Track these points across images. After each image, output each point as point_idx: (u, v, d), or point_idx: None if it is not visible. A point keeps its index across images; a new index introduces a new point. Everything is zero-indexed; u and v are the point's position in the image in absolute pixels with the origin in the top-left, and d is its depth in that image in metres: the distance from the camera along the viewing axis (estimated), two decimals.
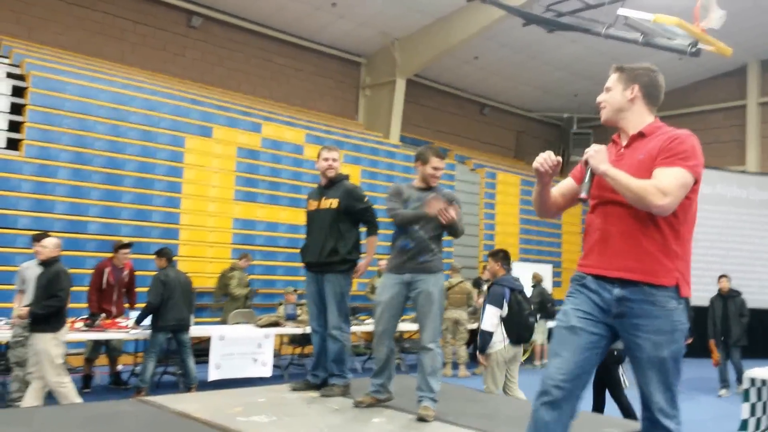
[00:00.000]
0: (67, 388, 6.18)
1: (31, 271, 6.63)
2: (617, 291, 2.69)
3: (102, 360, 8.52)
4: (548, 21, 11.71)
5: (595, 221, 2.89)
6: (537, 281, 12.26)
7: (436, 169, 4.61)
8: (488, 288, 6.44)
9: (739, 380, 9.42)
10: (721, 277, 10.26)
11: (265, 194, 12.59)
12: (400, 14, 14.42)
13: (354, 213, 4.97)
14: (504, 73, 17.61)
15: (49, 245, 6.42)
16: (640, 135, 2.88)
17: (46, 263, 6.33)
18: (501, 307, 6.13)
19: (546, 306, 12.02)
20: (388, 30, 15.12)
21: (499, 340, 6.19)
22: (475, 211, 16.66)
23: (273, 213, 12.48)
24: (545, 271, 14.75)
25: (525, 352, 12.13)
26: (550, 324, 12.56)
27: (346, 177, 5.19)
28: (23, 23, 11.78)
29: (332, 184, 5.06)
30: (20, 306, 6.60)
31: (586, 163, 2.80)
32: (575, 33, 12.64)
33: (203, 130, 12.11)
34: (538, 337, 11.79)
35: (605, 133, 19.85)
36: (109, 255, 8.61)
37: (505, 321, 6.20)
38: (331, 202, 4.95)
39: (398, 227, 4.56)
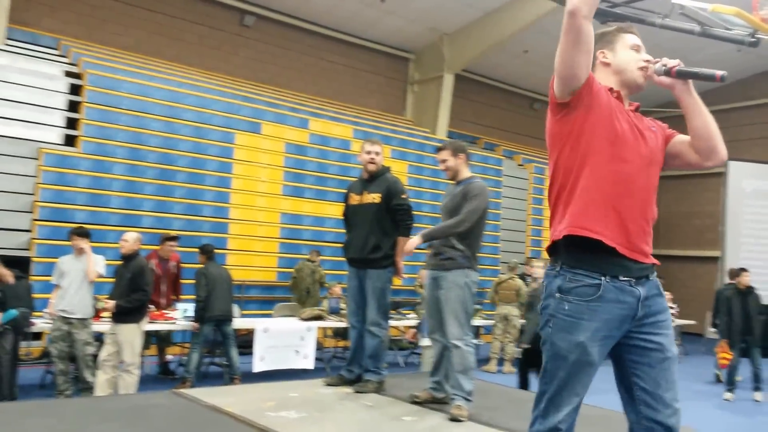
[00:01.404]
0: (135, 376, 6.52)
1: (68, 264, 6.75)
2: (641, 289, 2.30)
3: (151, 350, 8.76)
4: (602, 12, 11.45)
5: (636, 182, 2.35)
6: None
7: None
8: None
9: (758, 385, 9.00)
10: (741, 270, 9.36)
11: (312, 189, 12.71)
12: (449, 9, 14.35)
13: (389, 208, 4.89)
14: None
15: (130, 239, 6.71)
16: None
17: (127, 257, 6.62)
18: None
19: None
20: (437, 25, 15.06)
21: None
22: (523, 207, 16.50)
23: (320, 208, 12.59)
24: None
25: None
26: None
27: (388, 169, 5.14)
28: (84, 24, 12.19)
29: (374, 177, 5.02)
30: (53, 298, 6.81)
31: (678, 72, 2.44)
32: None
33: (253, 126, 12.30)
34: None
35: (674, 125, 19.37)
36: (156, 247, 8.83)
37: None
38: (374, 197, 4.91)
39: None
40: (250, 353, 8.27)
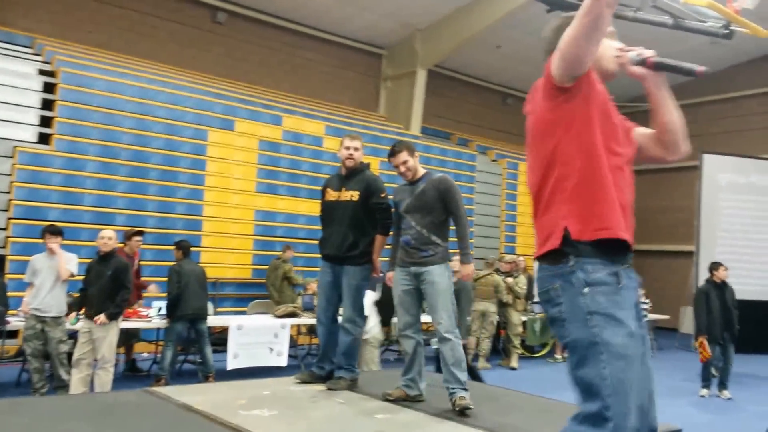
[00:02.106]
0: (111, 373, 6.57)
1: (41, 262, 6.73)
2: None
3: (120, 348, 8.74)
4: (573, 6, 11.53)
5: (623, 180, 2.28)
6: None
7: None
8: None
9: (726, 383, 8.89)
10: (719, 265, 9.20)
11: (285, 186, 12.72)
12: (421, 5, 14.40)
13: (368, 206, 4.88)
14: (528, 61, 17.42)
15: (111, 236, 6.72)
16: None
17: (106, 255, 6.62)
18: (376, 289, 6.23)
19: None
20: (409, 21, 15.11)
21: (375, 323, 6.25)
22: (497, 202, 16.63)
23: (293, 205, 12.60)
24: None
25: (545, 345, 12.13)
26: None
27: (367, 166, 5.11)
28: (57, 22, 12.15)
29: (353, 174, 4.97)
30: (26, 297, 6.79)
31: (654, 64, 2.33)
32: None
33: (226, 123, 12.28)
34: None
35: (633, 120, 19.83)
36: (120, 245, 8.78)
37: (378, 303, 6.28)
38: (352, 194, 4.88)
39: (403, 225, 4.62)
40: (225, 351, 8.29)
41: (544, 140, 2.27)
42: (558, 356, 11.72)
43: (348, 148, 4.97)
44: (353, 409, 4.33)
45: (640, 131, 2.48)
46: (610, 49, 2.36)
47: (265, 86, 14.34)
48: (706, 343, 8.67)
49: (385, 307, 6.37)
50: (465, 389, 4.28)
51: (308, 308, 9.22)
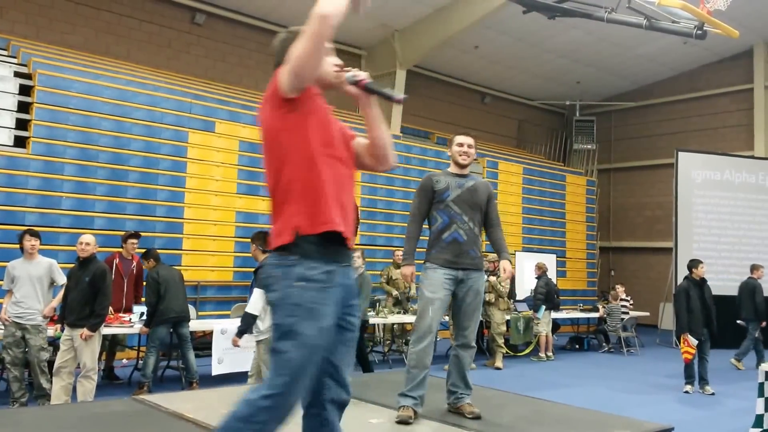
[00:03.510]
0: (94, 381, 6.45)
1: (20, 269, 6.66)
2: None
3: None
4: (549, 7, 11.64)
5: (342, 181, 2.55)
6: (542, 272, 12.20)
7: (460, 145, 4.47)
8: (256, 271, 6.33)
9: (704, 377, 8.95)
10: (698, 262, 9.19)
11: (267, 187, 12.61)
12: (399, 6, 14.40)
13: None
14: (505, 61, 17.57)
15: (92, 242, 6.60)
16: None
17: (85, 260, 6.52)
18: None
19: (552, 297, 12.00)
20: (388, 21, 15.10)
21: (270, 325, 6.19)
22: None
23: None
24: (549, 261, 14.76)
25: (529, 344, 12.18)
26: (555, 315, 12.61)
27: None
28: (32, 23, 12.00)
29: None
30: (5, 304, 6.71)
31: (365, 87, 2.59)
32: (577, 19, 12.57)
33: (205, 124, 12.16)
34: (543, 328, 11.82)
35: (608, 120, 19.92)
36: (117, 250, 8.70)
37: None
38: None
39: (444, 217, 4.34)
40: (207, 355, 8.20)
41: (273, 147, 2.50)
42: (542, 355, 11.78)
43: None
44: (346, 414, 4.27)
45: (359, 141, 2.74)
46: (329, 65, 2.62)
47: (244, 87, 14.26)
48: (690, 340, 8.72)
49: None
50: (470, 395, 4.29)
51: None
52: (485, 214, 4.48)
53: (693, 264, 9.21)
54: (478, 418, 4.08)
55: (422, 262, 4.43)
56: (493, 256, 11.71)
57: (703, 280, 9.10)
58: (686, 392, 8.95)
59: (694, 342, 8.73)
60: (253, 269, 10.10)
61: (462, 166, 4.46)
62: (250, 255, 11.70)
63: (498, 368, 10.56)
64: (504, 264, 4.46)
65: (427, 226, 4.49)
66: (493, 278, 10.87)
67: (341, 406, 2.60)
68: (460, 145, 4.46)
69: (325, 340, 2.38)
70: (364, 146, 2.74)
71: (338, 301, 2.44)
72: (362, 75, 2.61)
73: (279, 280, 2.39)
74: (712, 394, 8.87)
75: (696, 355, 8.87)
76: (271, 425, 2.33)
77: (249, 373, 6.68)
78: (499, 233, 4.57)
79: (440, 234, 4.32)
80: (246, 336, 6.26)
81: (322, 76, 2.58)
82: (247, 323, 6.02)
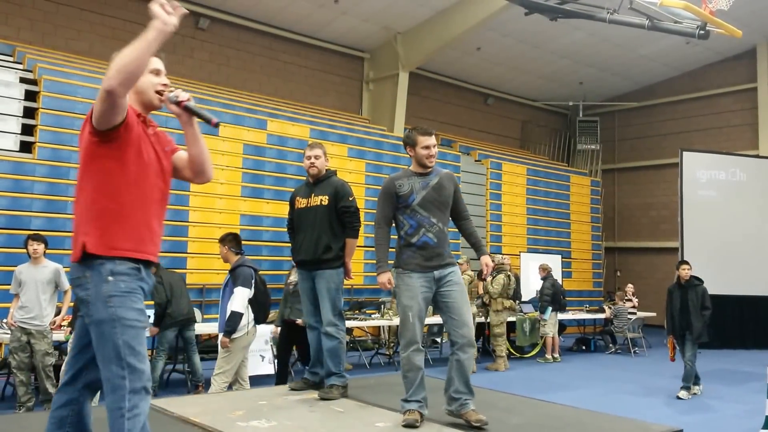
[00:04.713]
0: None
1: (26, 273, 6.67)
2: None
3: None
4: (551, 8, 11.61)
5: (157, 198, 2.78)
6: (546, 273, 12.14)
7: (426, 147, 4.26)
8: (231, 271, 6.31)
9: (688, 382, 8.61)
10: (681, 263, 8.89)
11: (271, 190, 12.66)
12: (402, 8, 14.41)
13: (336, 210, 4.89)
14: (507, 63, 17.56)
15: None
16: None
17: None
18: (251, 287, 6.11)
19: (558, 298, 11.95)
20: (391, 24, 15.12)
21: (245, 323, 6.14)
22: (482, 202, 16.65)
23: (279, 208, 12.52)
24: (554, 262, 14.72)
25: (535, 345, 12.15)
26: (561, 316, 12.56)
27: (334, 173, 5.14)
28: (37, 30, 12.06)
29: (320, 181, 5.01)
30: (12, 309, 6.71)
31: (185, 107, 2.79)
32: (579, 20, 12.55)
33: (209, 128, 12.09)
34: (550, 329, 11.77)
35: (612, 120, 19.83)
36: None
37: (252, 302, 6.20)
38: (321, 199, 4.89)
39: (412, 221, 4.23)
40: (213, 359, 8.18)
41: (88, 164, 2.65)
42: (548, 356, 11.74)
43: (309, 158, 5.00)
44: (352, 417, 4.27)
45: (179, 155, 2.92)
46: (153, 85, 2.80)
47: (248, 91, 14.29)
48: (672, 342, 8.62)
49: (260, 307, 6.32)
50: (473, 400, 4.14)
51: None
52: (453, 209, 4.39)
53: (677, 266, 9.01)
54: (485, 425, 3.96)
55: (394, 265, 4.32)
56: (496, 257, 11.60)
57: (688, 283, 8.68)
58: (678, 397, 8.57)
59: (676, 344, 8.61)
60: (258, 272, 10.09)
61: (427, 168, 4.32)
62: (255, 258, 11.76)
63: (497, 370, 10.43)
64: (484, 259, 4.39)
65: (395, 235, 4.41)
66: (489, 279, 10.70)
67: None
68: (427, 147, 4.26)
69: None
70: (183, 159, 2.92)
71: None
72: (184, 96, 2.79)
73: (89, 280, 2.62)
74: (695, 394, 8.67)
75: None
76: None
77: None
78: (471, 226, 4.52)
79: (409, 238, 4.25)
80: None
81: (146, 99, 2.79)
82: (234, 322, 6.00)
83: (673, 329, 8.61)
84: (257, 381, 7.74)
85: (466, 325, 4.14)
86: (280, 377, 7.08)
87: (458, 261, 10.87)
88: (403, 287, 4.21)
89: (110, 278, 2.57)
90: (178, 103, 2.79)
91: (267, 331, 8.47)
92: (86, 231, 2.60)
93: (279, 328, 7.31)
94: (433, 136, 4.33)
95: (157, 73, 2.83)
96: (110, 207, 2.61)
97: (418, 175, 4.29)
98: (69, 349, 2.90)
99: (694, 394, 8.72)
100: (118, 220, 2.62)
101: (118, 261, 2.60)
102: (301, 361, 7.90)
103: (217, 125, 2.87)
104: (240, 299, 5.99)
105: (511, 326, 11.49)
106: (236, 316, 5.98)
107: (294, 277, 7.16)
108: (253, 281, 6.14)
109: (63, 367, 3.01)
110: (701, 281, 8.71)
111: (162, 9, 2.63)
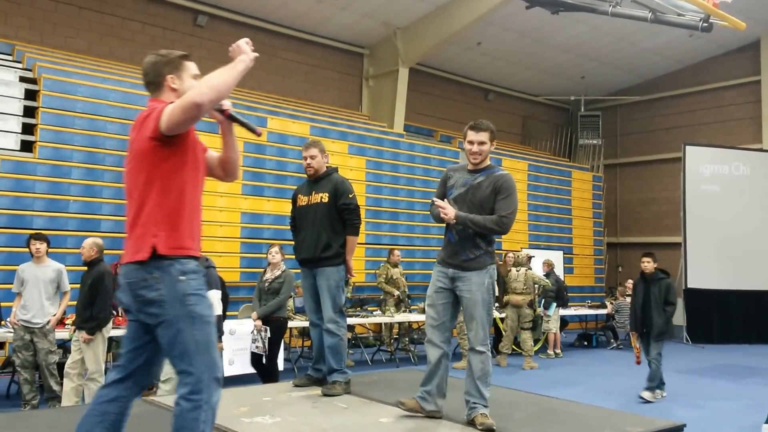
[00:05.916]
0: (100, 383, 6.40)
1: (29, 272, 6.70)
2: None
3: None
4: (552, 2, 11.57)
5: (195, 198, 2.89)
6: (550, 268, 12.14)
7: (470, 143, 4.19)
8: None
9: (652, 383, 7.91)
10: (644, 255, 8.27)
11: (272, 188, 12.66)
12: (402, 3, 14.37)
13: (336, 207, 4.93)
14: (508, 58, 17.51)
15: (86, 246, 6.61)
16: None
17: (89, 264, 6.58)
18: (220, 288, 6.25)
19: (562, 294, 11.94)
20: (390, 20, 15.07)
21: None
22: None
23: (280, 206, 12.51)
24: (556, 257, 14.71)
25: (538, 341, 12.12)
26: (563, 312, 12.54)
27: (335, 170, 5.18)
28: (36, 28, 12.03)
29: (320, 179, 5.05)
30: (15, 307, 6.74)
31: (229, 115, 2.92)
32: (581, 13, 12.51)
33: (210, 126, 12.05)
34: (552, 325, 11.76)
35: (614, 115, 19.75)
36: (117, 252, 8.69)
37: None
38: (322, 196, 4.94)
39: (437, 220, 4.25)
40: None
41: (144, 166, 2.79)
42: (551, 352, 11.73)
43: (305, 158, 5.07)
44: (356, 413, 4.28)
45: (210, 155, 3.08)
46: None
47: (248, 88, 14.25)
48: (634, 338, 8.27)
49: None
50: (486, 405, 4.03)
51: (300, 311, 9.16)
52: (492, 210, 4.13)
53: (642, 256, 8.34)
54: (490, 430, 3.90)
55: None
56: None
57: (653, 276, 8.08)
58: (641, 398, 7.92)
59: (638, 341, 8.16)
60: (259, 270, 10.18)
61: (473, 164, 4.24)
62: (256, 256, 11.79)
63: (498, 365, 10.30)
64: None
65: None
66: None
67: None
68: (470, 143, 4.20)
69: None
70: (215, 159, 3.10)
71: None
72: (227, 104, 2.90)
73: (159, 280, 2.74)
74: (642, 399, 7.89)
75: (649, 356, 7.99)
76: None
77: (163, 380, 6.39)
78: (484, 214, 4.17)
79: (445, 231, 4.31)
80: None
81: None
82: (218, 325, 6.04)
83: (635, 325, 8.10)
84: (255, 378, 7.71)
85: (469, 330, 4.14)
86: (267, 374, 7.12)
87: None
88: (432, 277, 4.32)
89: (182, 278, 2.69)
90: (222, 111, 2.88)
91: (250, 327, 8.34)
92: (155, 233, 2.71)
93: (260, 321, 7.24)
94: (482, 132, 4.19)
95: (197, 78, 2.95)
96: (176, 208, 2.75)
97: (469, 171, 4.26)
98: (122, 348, 2.95)
99: (663, 396, 8.10)
100: (184, 220, 2.76)
101: (184, 260, 2.73)
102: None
103: (259, 134, 3.01)
104: (216, 301, 6.15)
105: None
106: (217, 319, 6.07)
107: (269, 275, 7.28)
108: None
109: (118, 361, 3.10)
110: (667, 274, 8.20)
111: (248, 46, 2.85)
